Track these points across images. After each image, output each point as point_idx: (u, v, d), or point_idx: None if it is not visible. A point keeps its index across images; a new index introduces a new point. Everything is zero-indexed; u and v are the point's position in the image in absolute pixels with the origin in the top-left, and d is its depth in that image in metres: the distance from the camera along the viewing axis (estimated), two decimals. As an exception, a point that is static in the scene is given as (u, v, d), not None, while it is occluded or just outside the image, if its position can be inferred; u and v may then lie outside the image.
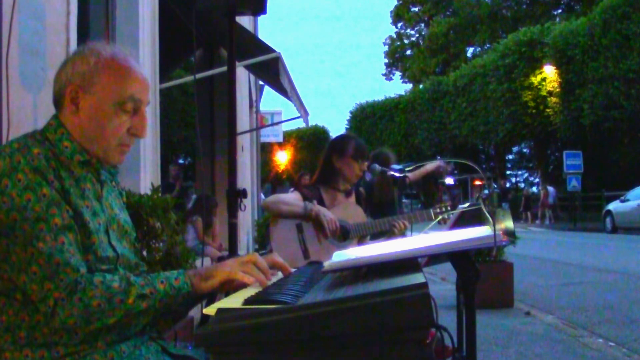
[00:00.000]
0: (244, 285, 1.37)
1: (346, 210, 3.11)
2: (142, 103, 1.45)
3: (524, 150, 35.62)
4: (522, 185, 39.67)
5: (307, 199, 3.02)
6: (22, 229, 1.25)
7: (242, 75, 9.76)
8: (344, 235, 3.02)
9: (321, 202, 3.07)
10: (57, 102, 1.44)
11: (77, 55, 1.44)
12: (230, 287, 1.38)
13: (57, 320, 1.22)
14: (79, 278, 1.24)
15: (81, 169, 1.41)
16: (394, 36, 48.70)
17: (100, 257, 1.36)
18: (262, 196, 16.86)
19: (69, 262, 1.25)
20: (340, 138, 3.31)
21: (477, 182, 28.36)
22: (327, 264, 1.41)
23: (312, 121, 46.83)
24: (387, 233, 3.18)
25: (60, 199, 1.30)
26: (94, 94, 1.39)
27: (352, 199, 3.24)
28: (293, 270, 1.57)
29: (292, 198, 3.08)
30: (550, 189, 25.90)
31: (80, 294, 1.23)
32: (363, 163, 3.18)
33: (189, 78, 9.33)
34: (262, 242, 7.64)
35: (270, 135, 21.89)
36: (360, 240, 3.13)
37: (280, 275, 1.52)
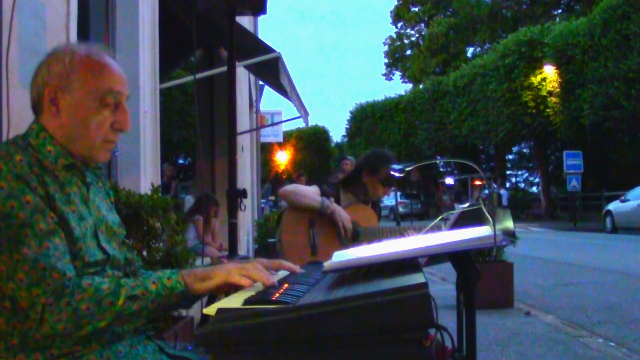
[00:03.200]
0: (240, 287, 1.35)
1: (360, 212, 3.11)
2: (122, 96, 1.43)
3: (524, 150, 35.63)
4: (522, 185, 39.74)
5: (324, 195, 3.02)
6: (7, 237, 1.23)
7: (242, 75, 9.76)
8: (355, 238, 3.02)
9: (337, 202, 3.08)
10: (36, 106, 1.42)
11: (50, 57, 1.43)
12: (226, 289, 1.36)
13: (47, 326, 1.20)
14: (67, 282, 1.22)
15: (66, 173, 1.39)
16: (394, 36, 48.73)
17: (88, 262, 1.34)
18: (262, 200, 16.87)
19: (55, 267, 1.23)
20: (378, 158, 3.22)
21: (477, 182, 28.35)
22: (327, 264, 1.41)
23: (312, 121, 46.85)
24: None
25: (45, 206, 1.28)
26: (73, 92, 1.38)
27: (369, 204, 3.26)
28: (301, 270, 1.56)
29: (310, 191, 3.08)
30: (503, 192, 25.88)
31: (68, 298, 1.20)
32: (389, 189, 3.18)
33: (189, 78, 9.33)
34: (262, 243, 7.64)
35: (270, 135, 21.91)
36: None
37: (281, 274, 1.52)
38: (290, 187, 3.16)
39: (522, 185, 39.93)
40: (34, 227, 1.24)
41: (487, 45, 38.18)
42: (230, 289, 1.36)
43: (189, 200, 9.16)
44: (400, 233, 3.11)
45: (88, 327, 1.22)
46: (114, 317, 1.24)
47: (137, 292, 1.26)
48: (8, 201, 1.24)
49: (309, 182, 3.53)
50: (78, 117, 1.39)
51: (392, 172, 3.86)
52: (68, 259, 1.28)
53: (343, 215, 2.96)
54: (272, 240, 3.21)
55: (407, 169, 3.45)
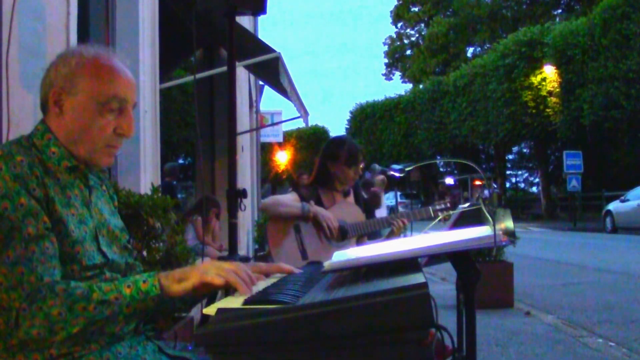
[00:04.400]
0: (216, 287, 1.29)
1: (344, 209, 3.11)
2: (128, 102, 1.42)
3: (524, 150, 35.64)
4: (522, 185, 39.74)
5: (304, 200, 3.02)
6: None
7: (242, 75, 9.76)
8: (343, 235, 3.02)
9: (319, 202, 3.07)
10: (43, 106, 1.42)
11: (60, 58, 1.42)
12: (205, 290, 1.32)
13: (22, 331, 1.19)
14: (41, 287, 1.21)
15: (69, 175, 1.39)
16: (394, 36, 48.75)
17: (86, 265, 1.34)
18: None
19: (34, 271, 1.22)
20: (333, 143, 3.23)
21: (477, 182, 28.36)
22: (327, 264, 1.41)
23: (312, 121, 46.84)
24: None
25: (39, 209, 1.27)
26: (77, 95, 1.38)
27: (351, 198, 3.24)
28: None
29: (289, 199, 3.07)
30: (485, 192, 25.85)
31: (40, 303, 1.19)
32: (358, 167, 3.17)
33: (189, 78, 9.32)
34: (262, 242, 7.65)
35: (270, 135, 21.91)
36: (359, 240, 3.13)
37: (279, 277, 1.52)
38: (269, 200, 3.15)
39: (522, 185, 39.96)
40: (22, 231, 1.24)
41: (487, 45, 38.18)
42: (208, 290, 1.32)
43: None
44: (388, 223, 3.12)
45: (62, 333, 1.20)
46: (86, 322, 1.21)
47: (109, 297, 1.23)
48: (2, 201, 1.24)
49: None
50: (80, 120, 1.38)
51: (392, 172, 3.87)
52: (54, 264, 1.26)
53: (326, 215, 2.96)
54: (262, 253, 3.22)
55: (407, 169, 3.45)
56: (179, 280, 1.28)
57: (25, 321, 1.19)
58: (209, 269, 1.28)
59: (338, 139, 3.27)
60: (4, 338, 1.27)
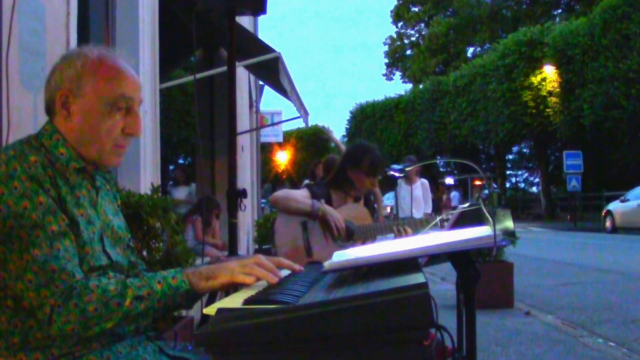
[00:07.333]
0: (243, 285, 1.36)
1: (353, 211, 3.11)
2: (134, 101, 1.43)
3: (524, 150, 35.63)
4: (522, 185, 39.74)
5: (315, 197, 3.02)
6: (19, 237, 1.24)
7: (242, 75, 9.76)
8: (349, 236, 3.02)
9: (329, 202, 3.07)
10: (49, 109, 1.43)
11: (64, 60, 1.43)
12: (230, 287, 1.37)
13: (55, 327, 1.21)
14: (75, 283, 1.23)
15: (77, 176, 1.40)
16: (394, 36, 48.73)
17: (92, 266, 1.35)
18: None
19: (65, 268, 1.24)
20: (358, 150, 3.20)
21: (477, 182, 28.35)
22: (327, 264, 1.41)
23: (312, 121, 46.81)
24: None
25: (57, 207, 1.29)
26: (84, 97, 1.38)
27: (361, 201, 3.25)
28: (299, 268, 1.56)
29: (300, 195, 3.08)
30: (455, 193, 25.84)
31: (76, 300, 1.21)
32: (376, 179, 3.16)
33: (189, 78, 9.32)
34: (262, 242, 7.64)
35: (270, 135, 21.91)
36: (365, 242, 3.13)
37: (286, 273, 1.52)
38: (280, 193, 3.16)
39: (522, 185, 39.97)
40: (45, 229, 1.25)
41: (487, 45, 38.17)
42: (231, 287, 1.36)
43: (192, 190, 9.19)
44: (395, 229, 3.11)
45: (95, 328, 1.23)
46: (121, 317, 1.24)
47: (143, 293, 1.27)
48: (21, 201, 1.25)
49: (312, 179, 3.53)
50: (89, 122, 1.39)
51: (391, 172, 3.86)
52: (77, 261, 1.28)
53: (334, 215, 2.96)
54: (267, 246, 3.21)
55: (407, 168, 3.44)
56: (207, 278, 1.33)
57: (60, 318, 1.21)
58: (235, 269, 1.34)
59: (363, 146, 3.22)
60: (5, 336, 1.27)
